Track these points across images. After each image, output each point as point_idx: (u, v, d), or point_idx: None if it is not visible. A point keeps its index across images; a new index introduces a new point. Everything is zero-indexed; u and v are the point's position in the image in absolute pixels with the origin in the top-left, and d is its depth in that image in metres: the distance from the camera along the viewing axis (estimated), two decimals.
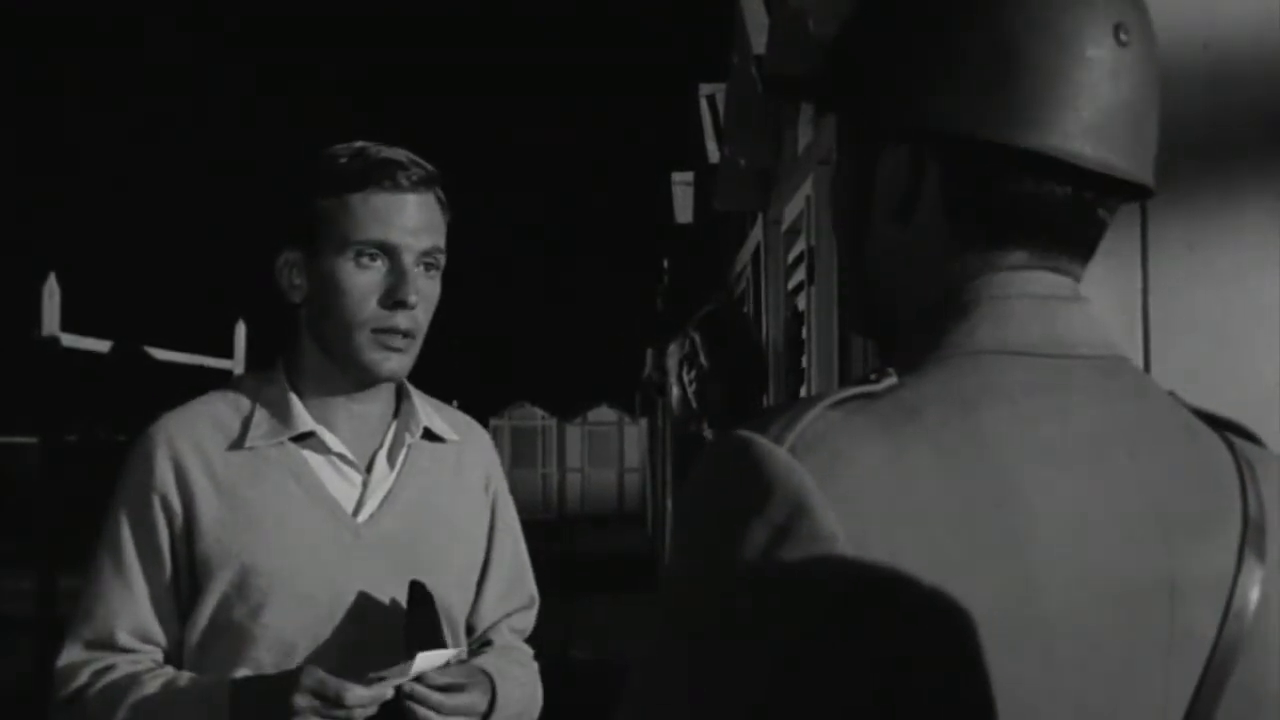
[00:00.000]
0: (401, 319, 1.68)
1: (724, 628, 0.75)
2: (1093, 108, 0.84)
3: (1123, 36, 0.85)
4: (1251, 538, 0.84)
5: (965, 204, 0.87)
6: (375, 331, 1.68)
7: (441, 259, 1.73)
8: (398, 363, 1.71)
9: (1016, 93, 0.84)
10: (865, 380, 0.82)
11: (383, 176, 1.67)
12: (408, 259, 1.67)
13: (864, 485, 0.75)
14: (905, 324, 0.90)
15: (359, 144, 1.71)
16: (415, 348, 1.73)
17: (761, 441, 0.77)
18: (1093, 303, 0.90)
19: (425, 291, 1.71)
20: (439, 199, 1.74)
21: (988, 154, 0.85)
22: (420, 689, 1.58)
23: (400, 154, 1.70)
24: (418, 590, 1.68)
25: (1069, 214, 0.87)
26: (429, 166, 1.72)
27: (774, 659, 0.74)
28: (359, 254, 1.67)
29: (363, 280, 1.67)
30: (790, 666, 0.74)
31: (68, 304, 4.51)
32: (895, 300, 0.92)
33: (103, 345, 4.90)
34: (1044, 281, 0.88)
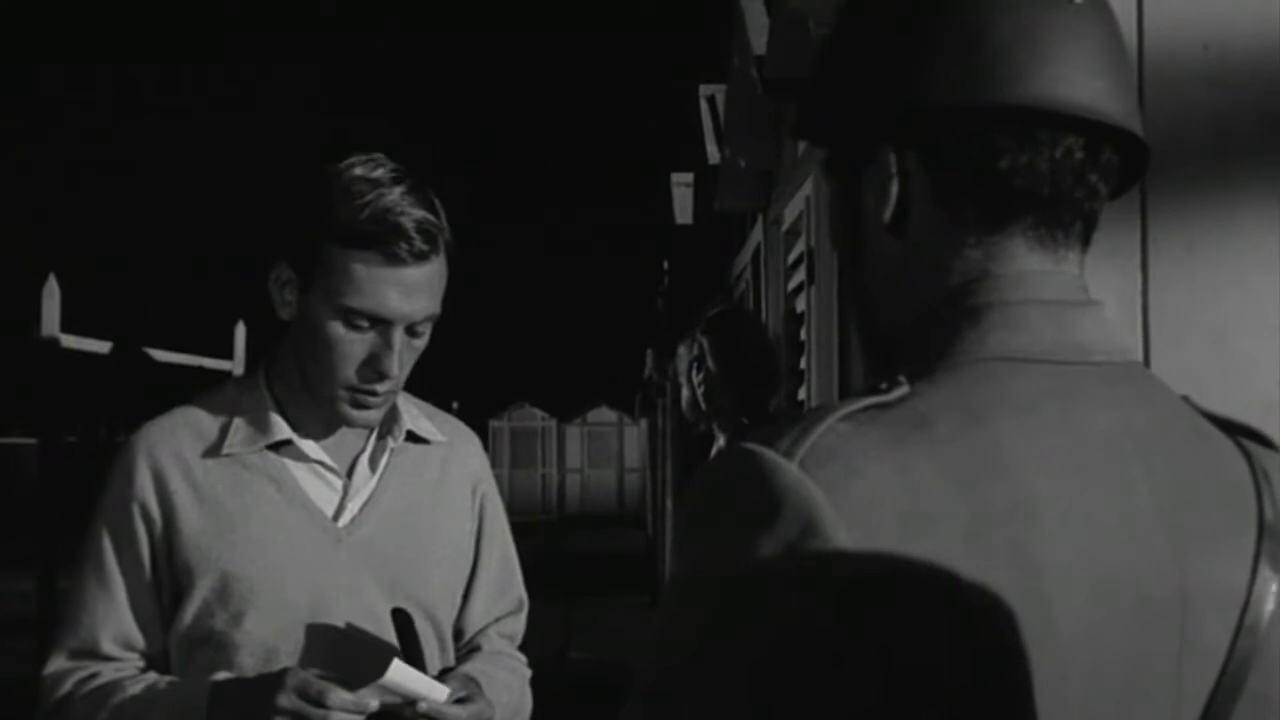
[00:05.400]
0: (380, 385, 1.67)
1: (733, 643, 0.74)
2: (1063, 62, 0.85)
3: None
4: (1266, 547, 0.83)
5: (957, 191, 0.87)
6: (352, 390, 1.67)
7: (436, 318, 1.70)
8: (371, 416, 1.71)
9: (986, 60, 0.84)
10: (877, 390, 0.81)
11: (387, 244, 1.61)
12: (397, 333, 1.65)
13: (875, 499, 0.75)
14: (911, 328, 0.89)
15: (376, 175, 1.64)
16: (393, 397, 1.73)
17: (770, 455, 0.76)
18: (1103, 305, 0.89)
19: (411, 350, 1.69)
20: (446, 257, 1.69)
21: (971, 131, 0.85)
22: (436, 706, 1.58)
23: (410, 218, 1.62)
24: (401, 618, 1.68)
25: (1062, 178, 0.86)
26: (436, 229, 1.65)
27: (784, 674, 0.73)
28: (349, 316, 1.63)
29: (349, 341, 1.65)
30: (800, 682, 0.73)
31: (68, 304, 4.51)
32: (901, 311, 0.91)
33: (103, 346, 4.90)
34: (1055, 285, 0.87)
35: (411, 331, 1.68)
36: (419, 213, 1.63)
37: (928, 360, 0.84)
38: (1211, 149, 1.76)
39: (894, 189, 0.89)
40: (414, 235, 1.62)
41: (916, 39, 0.86)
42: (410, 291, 1.64)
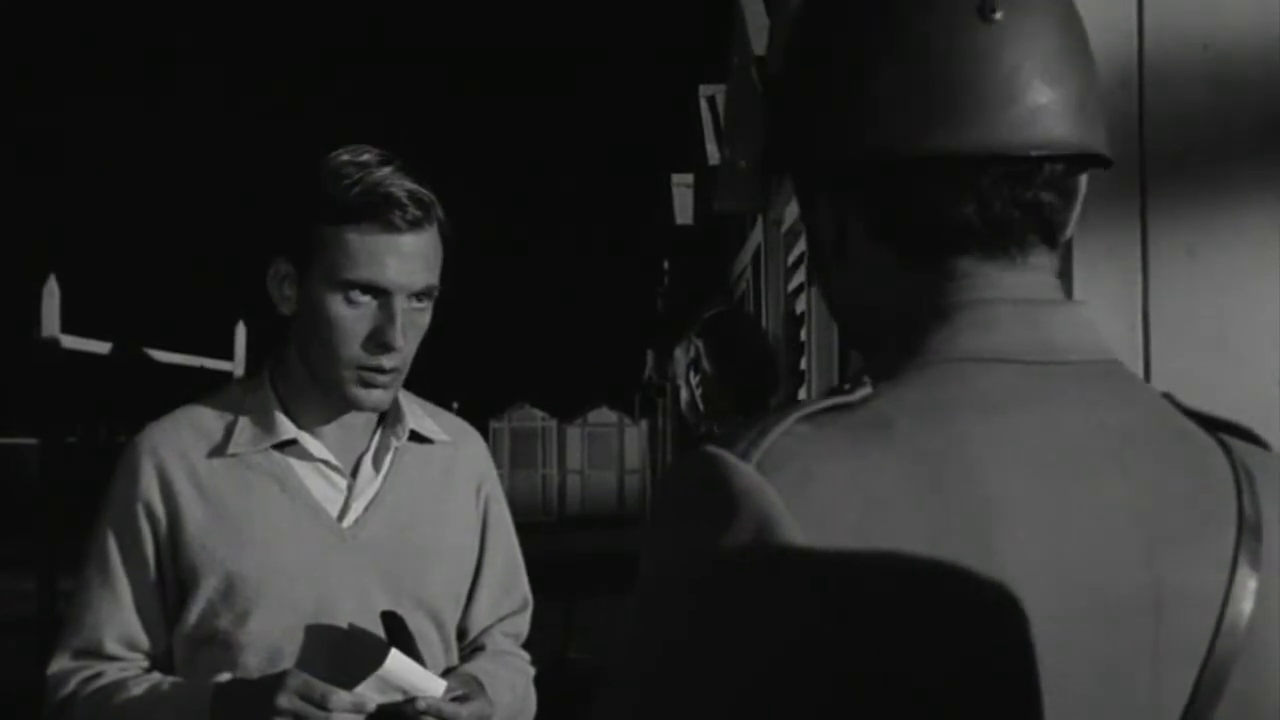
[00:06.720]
0: (387, 360, 1.67)
1: (693, 644, 0.75)
2: (972, 95, 0.83)
3: (995, 14, 0.84)
4: (1246, 546, 0.82)
5: (895, 233, 0.87)
6: (360, 368, 1.67)
7: (435, 291, 1.71)
8: (380, 396, 1.70)
9: (890, 109, 0.84)
10: (840, 390, 0.81)
11: (381, 214, 1.63)
12: (398, 301, 1.65)
13: (833, 500, 0.75)
14: (881, 331, 0.89)
15: (363, 159, 1.66)
16: (400, 379, 1.72)
17: (728, 458, 0.77)
18: (1082, 305, 0.88)
19: (414, 326, 1.70)
20: (439, 231, 1.71)
21: (898, 181, 0.85)
22: (434, 703, 1.58)
23: (402, 188, 1.64)
24: (393, 621, 1.68)
25: (998, 207, 0.85)
26: (429, 199, 1.67)
27: (743, 676, 0.74)
28: (349, 290, 1.64)
29: (351, 317, 1.65)
30: (759, 682, 0.73)
31: (68, 305, 4.52)
32: (869, 319, 0.91)
33: (103, 347, 4.90)
34: (1024, 284, 0.86)
35: (412, 304, 1.68)
36: (409, 184, 1.66)
37: (899, 360, 0.84)
38: (1211, 149, 1.76)
39: (831, 231, 0.90)
40: (407, 203, 1.64)
41: (839, 90, 0.86)
42: (407, 260, 1.65)
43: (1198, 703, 0.80)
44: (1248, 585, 0.82)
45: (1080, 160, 0.88)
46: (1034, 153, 0.84)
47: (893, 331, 0.88)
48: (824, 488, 0.75)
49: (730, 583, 0.74)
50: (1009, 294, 0.85)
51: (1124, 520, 0.80)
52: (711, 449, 0.78)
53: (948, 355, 0.83)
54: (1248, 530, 0.83)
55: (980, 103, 0.83)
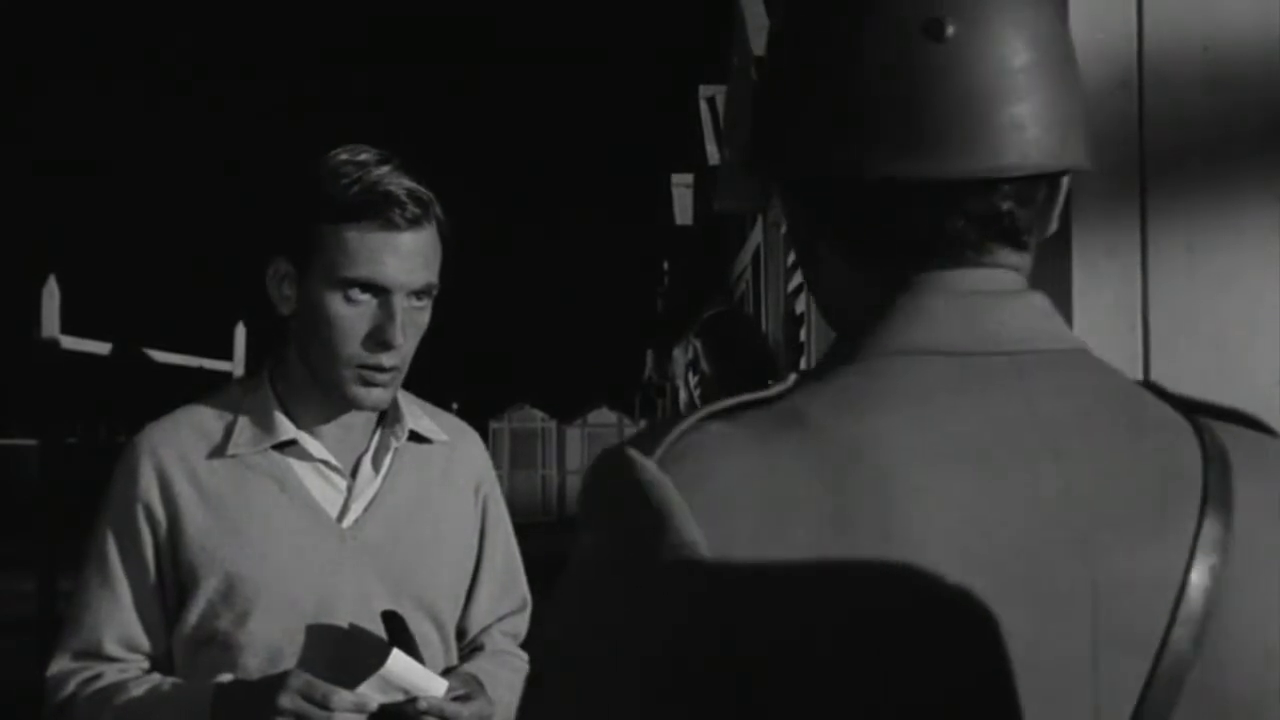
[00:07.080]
0: (386, 358, 1.67)
1: (595, 637, 0.76)
2: (919, 120, 0.82)
3: (947, 31, 0.82)
4: (1207, 532, 0.80)
5: (851, 243, 0.88)
6: (360, 367, 1.67)
7: (435, 290, 1.72)
8: (380, 395, 1.70)
9: (841, 131, 0.84)
10: (764, 387, 0.83)
11: (380, 212, 1.64)
12: (398, 299, 1.66)
13: (732, 494, 0.75)
14: (845, 329, 0.90)
15: (361, 159, 1.67)
16: (400, 378, 1.73)
17: (633, 454, 0.78)
18: (1038, 295, 0.87)
19: (413, 324, 1.70)
20: (438, 230, 1.71)
21: (849, 198, 0.86)
22: (435, 703, 1.58)
23: (400, 186, 1.65)
24: (393, 621, 1.68)
25: (947, 224, 0.84)
26: (427, 198, 1.68)
27: (638, 666, 0.74)
28: (349, 288, 1.65)
29: (351, 315, 1.66)
30: (653, 674, 0.74)
31: (68, 305, 4.52)
32: (836, 318, 0.92)
33: (103, 348, 4.91)
34: (971, 277, 0.85)
35: (411, 303, 1.69)
36: (408, 182, 1.67)
37: (842, 355, 0.85)
38: (1211, 149, 1.76)
39: (801, 232, 0.92)
40: (405, 200, 1.65)
41: (796, 107, 0.87)
42: (406, 258, 1.66)
43: (1153, 694, 0.78)
44: (1207, 574, 0.79)
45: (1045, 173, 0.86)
46: (983, 175, 0.83)
47: (846, 329, 0.88)
48: (724, 482, 0.76)
49: (627, 576, 0.76)
50: (952, 288, 0.85)
51: (1057, 508, 0.78)
52: (621, 446, 0.80)
53: (882, 349, 0.83)
54: (1211, 516, 0.80)
55: (927, 128, 0.82)
